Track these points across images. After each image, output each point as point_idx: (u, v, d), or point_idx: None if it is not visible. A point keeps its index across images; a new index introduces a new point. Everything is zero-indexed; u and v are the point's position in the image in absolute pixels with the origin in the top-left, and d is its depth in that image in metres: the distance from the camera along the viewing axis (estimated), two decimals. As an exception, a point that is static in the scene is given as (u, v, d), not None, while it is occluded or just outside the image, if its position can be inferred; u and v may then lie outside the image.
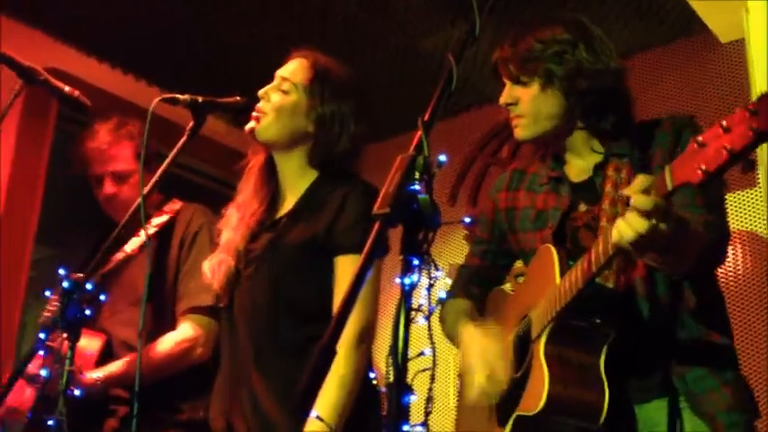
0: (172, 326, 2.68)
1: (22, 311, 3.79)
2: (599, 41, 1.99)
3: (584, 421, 1.77)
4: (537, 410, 1.76)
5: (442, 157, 1.36)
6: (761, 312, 3.37)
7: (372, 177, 2.26)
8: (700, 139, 1.41)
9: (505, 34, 2.08)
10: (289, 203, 2.29)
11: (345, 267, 2.09)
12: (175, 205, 2.90)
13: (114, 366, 2.57)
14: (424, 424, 1.25)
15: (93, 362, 2.58)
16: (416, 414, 1.25)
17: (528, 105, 1.98)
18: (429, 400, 1.29)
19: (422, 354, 1.31)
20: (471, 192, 4.30)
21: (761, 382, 3.17)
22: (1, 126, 2.41)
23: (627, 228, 1.54)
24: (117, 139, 2.80)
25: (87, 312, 1.86)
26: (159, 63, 4.07)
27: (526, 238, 2.09)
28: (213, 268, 2.25)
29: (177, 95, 2.19)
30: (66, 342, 1.82)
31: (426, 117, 1.41)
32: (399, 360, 1.24)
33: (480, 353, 1.98)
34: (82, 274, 1.91)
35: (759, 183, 3.28)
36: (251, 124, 2.25)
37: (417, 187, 1.31)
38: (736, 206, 3.50)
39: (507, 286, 2.28)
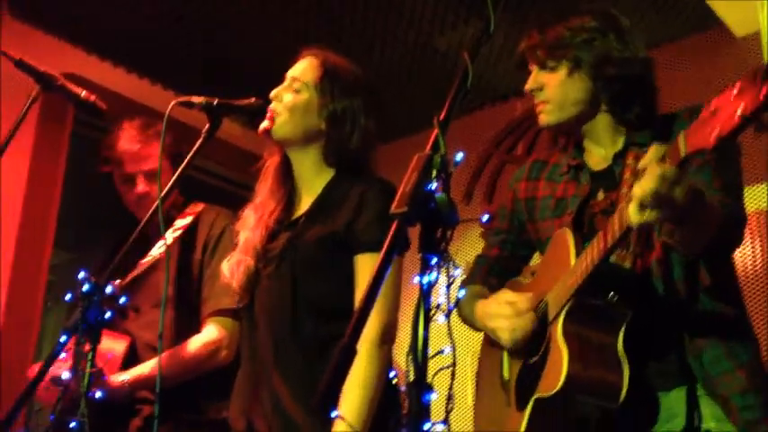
0: (197, 328, 2.69)
1: (42, 316, 3.82)
2: (629, 32, 2.01)
3: (604, 400, 1.77)
4: (556, 389, 1.77)
5: (459, 156, 1.36)
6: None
7: (387, 177, 2.28)
8: (712, 105, 1.43)
9: (519, 32, 2.09)
10: (306, 203, 2.30)
11: (366, 265, 2.10)
12: (198, 207, 2.91)
13: (141, 369, 2.59)
14: (445, 422, 1.25)
15: (118, 364, 2.60)
16: (436, 412, 1.26)
17: (554, 90, 2.00)
18: (449, 398, 1.29)
19: (441, 352, 1.31)
20: (486, 189, 4.30)
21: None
22: (18, 131, 2.43)
23: (640, 189, 1.55)
24: (147, 139, 2.81)
25: (107, 315, 1.87)
26: (174, 66, 4.09)
27: (545, 227, 2.10)
28: (232, 268, 2.26)
29: (193, 98, 2.20)
30: (87, 344, 1.84)
31: (442, 115, 1.41)
32: (419, 358, 1.24)
33: (497, 301, 2.02)
34: (102, 277, 1.93)
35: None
36: (265, 124, 2.26)
37: (434, 186, 1.32)
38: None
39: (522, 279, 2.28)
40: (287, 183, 2.34)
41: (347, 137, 2.25)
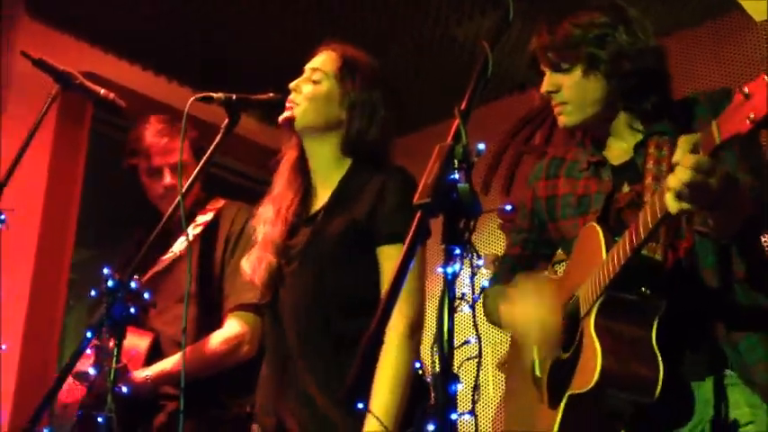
0: (219, 323, 2.70)
1: (64, 313, 3.84)
2: (637, 22, 1.98)
3: (639, 395, 1.75)
4: (590, 385, 1.74)
5: (481, 146, 1.36)
6: None
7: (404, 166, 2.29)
8: (746, 89, 1.42)
9: (536, 21, 2.07)
10: (323, 196, 2.30)
11: (390, 257, 2.09)
12: (219, 203, 2.92)
13: (164, 364, 2.60)
14: (472, 412, 1.25)
15: (142, 360, 2.61)
16: (461, 403, 1.25)
17: (571, 91, 1.98)
18: (476, 388, 1.29)
19: (467, 342, 1.31)
20: (505, 180, 4.28)
21: None
22: (38, 130, 2.45)
23: (676, 180, 1.54)
24: (174, 133, 2.82)
25: (132, 311, 1.89)
26: (190, 63, 4.10)
27: (568, 225, 2.08)
28: (253, 265, 2.26)
29: (211, 94, 2.21)
30: (112, 340, 1.85)
31: (463, 106, 1.41)
32: (445, 349, 1.24)
33: (522, 299, 2.00)
34: (125, 273, 1.94)
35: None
36: (285, 114, 2.27)
37: (457, 176, 1.32)
38: None
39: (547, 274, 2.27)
40: (303, 177, 2.34)
41: (367, 127, 2.25)
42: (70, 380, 2.41)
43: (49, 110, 2.48)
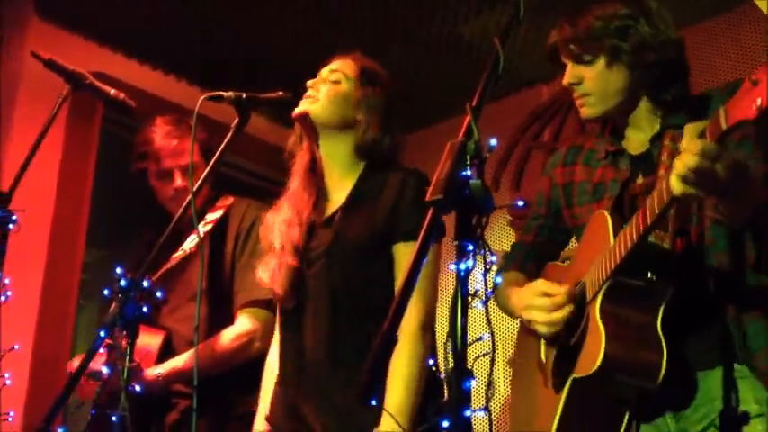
0: (230, 320, 2.71)
1: (76, 313, 3.85)
2: (657, 14, 2.00)
3: (642, 381, 1.76)
4: (594, 369, 1.76)
5: (493, 142, 1.36)
6: None
7: (411, 165, 2.30)
8: (753, 77, 1.43)
9: (545, 17, 2.07)
10: (337, 200, 2.31)
11: (406, 255, 2.10)
12: (228, 201, 2.92)
13: (175, 362, 2.61)
14: (486, 409, 1.25)
15: (154, 358, 2.62)
16: (474, 399, 1.25)
17: (594, 83, 1.99)
18: (489, 384, 1.29)
19: (480, 338, 1.31)
20: (514, 177, 4.27)
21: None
22: (48, 131, 2.46)
23: (681, 164, 1.55)
24: (183, 134, 2.83)
25: (144, 309, 1.89)
26: (199, 63, 4.10)
27: (582, 212, 2.10)
28: (273, 272, 2.27)
29: (222, 93, 2.21)
30: (125, 339, 1.85)
31: (474, 102, 1.41)
32: (458, 345, 1.24)
33: (533, 291, 2.01)
34: (138, 272, 1.94)
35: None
36: (303, 106, 2.28)
37: (469, 173, 1.32)
38: None
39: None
40: (316, 181, 2.36)
41: (382, 132, 2.30)
42: (83, 379, 2.42)
43: (60, 110, 2.48)
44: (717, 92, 1.94)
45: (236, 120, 2.24)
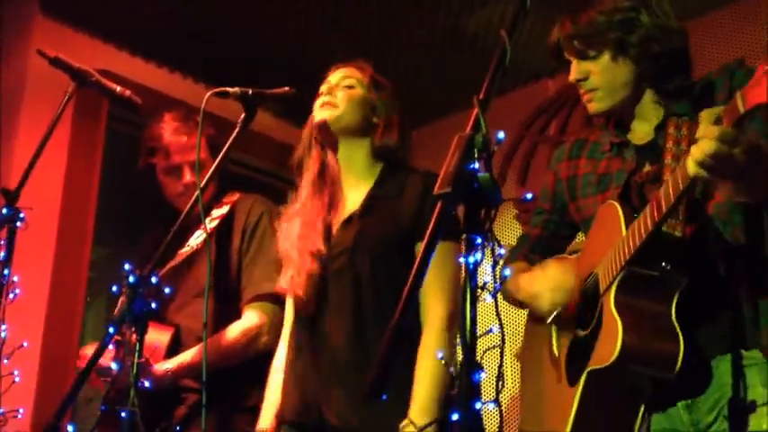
0: (237, 315, 2.71)
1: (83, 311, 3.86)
2: (658, 4, 1.99)
3: (659, 371, 1.76)
4: (611, 361, 1.75)
5: (501, 135, 1.35)
6: None
7: (417, 160, 2.32)
8: (767, 66, 1.44)
9: (550, 10, 2.07)
10: (355, 200, 2.33)
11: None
12: (234, 197, 2.92)
13: (183, 357, 2.61)
14: (496, 401, 1.25)
15: (163, 354, 2.62)
16: (483, 392, 1.25)
17: (601, 77, 1.99)
18: (499, 377, 1.29)
19: (489, 331, 1.31)
20: (520, 171, 4.27)
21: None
22: (55, 129, 2.46)
23: (698, 151, 1.56)
24: (192, 130, 2.83)
25: (153, 305, 1.89)
26: (204, 60, 4.10)
27: (588, 204, 2.10)
28: (293, 279, 2.28)
29: (228, 89, 2.21)
30: (134, 335, 1.86)
31: (482, 95, 1.40)
32: (468, 338, 1.24)
33: (541, 275, 2.04)
34: (146, 269, 1.95)
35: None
36: (323, 114, 2.31)
37: (477, 166, 1.31)
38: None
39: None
40: (328, 187, 2.38)
41: (397, 133, 2.36)
42: (93, 375, 2.43)
43: (66, 107, 2.48)
44: (715, 76, 1.94)
45: (243, 116, 2.24)
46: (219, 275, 2.71)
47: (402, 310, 1.21)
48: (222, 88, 2.20)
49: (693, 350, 1.78)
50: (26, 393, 3.13)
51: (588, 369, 1.85)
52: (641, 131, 2.04)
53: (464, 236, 1.29)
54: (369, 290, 2.18)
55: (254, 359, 2.66)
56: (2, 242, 2.36)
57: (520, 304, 2.19)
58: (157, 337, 2.62)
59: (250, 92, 2.22)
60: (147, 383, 2.13)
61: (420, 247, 2.11)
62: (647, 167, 1.98)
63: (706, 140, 1.55)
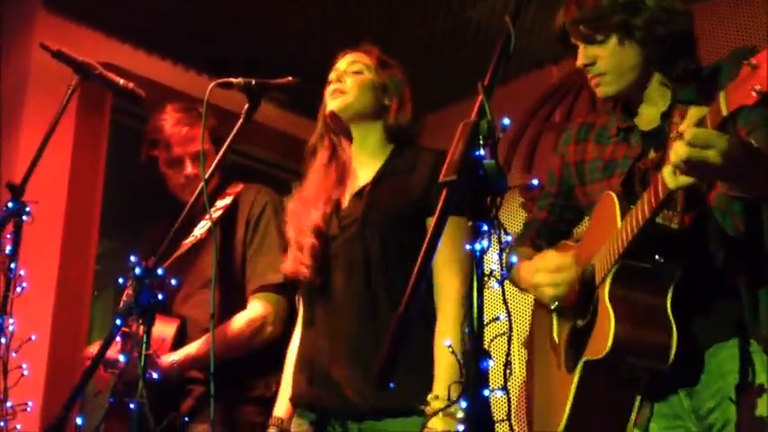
0: (242, 306, 2.71)
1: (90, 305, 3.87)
2: None
3: (653, 362, 1.77)
4: (605, 353, 1.77)
5: (506, 121, 1.35)
6: None
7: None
8: (753, 61, 1.42)
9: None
10: (366, 177, 2.35)
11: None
12: (237, 187, 2.92)
13: (189, 348, 2.61)
14: (504, 388, 1.25)
15: (169, 346, 2.63)
16: (491, 379, 1.25)
17: (608, 61, 1.98)
18: (507, 364, 1.29)
19: (497, 319, 1.31)
20: (525, 159, 4.27)
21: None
22: (59, 122, 2.46)
23: (674, 155, 1.56)
24: (193, 121, 2.82)
25: (160, 297, 1.90)
26: (208, 52, 4.10)
27: (595, 189, 2.09)
28: (295, 257, 2.29)
29: (231, 79, 2.20)
30: (141, 327, 1.86)
31: (486, 81, 1.40)
32: (475, 326, 1.24)
33: (541, 265, 2.03)
34: (152, 261, 1.95)
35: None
36: (334, 103, 2.32)
37: (482, 153, 1.31)
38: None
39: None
40: (338, 170, 2.39)
41: (408, 113, 2.38)
42: (101, 368, 2.43)
43: (70, 101, 2.48)
44: (725, 62, 1.92)
45: (246, 106, 2.24)
46: (224, 266, 2.71)
47: (409, 300, 1.21)
48: (225, 79, 2.20)
49: (689, 340, 1.79)
50: (35, 387, 3.15)
51: (583, 359, 1.88)
52: (648, 116, 2.03)
53: (470, 223, 1.29)
54: (378, 261, 2.19)
55: (259, 350, 2.67)
56: (8, 236, 2.36)
57: (525, 290, 2.20)
58: (163, 329, 2.63)
59: (253, 82, 2.21)
60: (155, 375, 2.13)
61: (429, 221, 2.16)
62: (652, 154, 1.98)
63: (681, 143, 1.54)
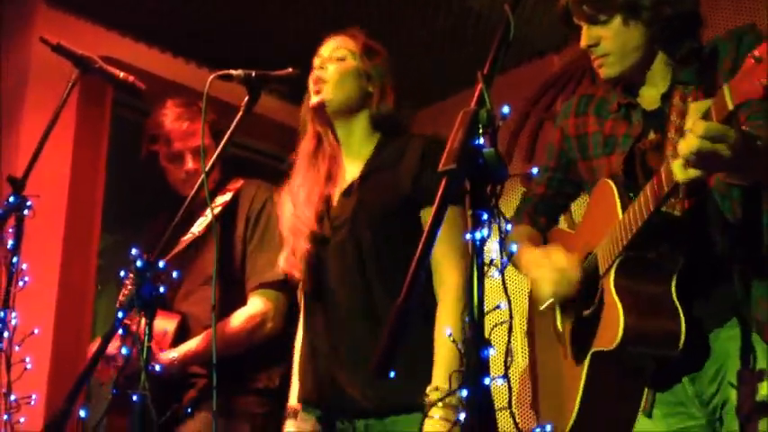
0: (242, 303, 2.71)
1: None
2: None
3: (664, 349, 1.78)
4: (614, 345, 1.77)
5: (506, 109, 1.34)
6: None
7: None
8: (756, 53, 1.42)
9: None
10: (354, 171, 2.32)
11: None
12: (237, 183, 2.92)
13: (188, 345, 2.61)
14: (505, 376, 1.25)
15: (169, 342, 2.63)
16: (492, 368, 1.25)
17: (612, 42, 1.96)
18: (508, 352, 1.28)
19: (498, 307, 1.30)
20: (527, 149, 4.25)
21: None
22: (60, 116, 2.46)
23: (684, 147, 1.56)
24: (193, 116, 2.82)
25: (161, 290, 1.89)
26: (208, 44, 4.09)
27: (599, 164, 2.08)
28: (290, 260, 2.28)
29: (231, 71, 2.19)
30: (143, 320, 1.86)
31: (486, 69, 1.39)
32: (476, 315, 1.24)
33: (546, 263, 2.02)
34: (153, 254, 1.95)
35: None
36: (315, 98, 2.29)
37: (482, 141, 1.31)
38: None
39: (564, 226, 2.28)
40: (326, 161, 2.36)
41: (394, 100, 2.32)
42: (103, 362, 2.44)
43: (70, 94, 2.48)
44: (722, 40, 1.91)
45: (246, 99, 2.23)
46: (224, 263, 2.70)
47: (408, 290, 1.21)
48: (225, 71, 2.19)
49: (692, 325, 1.79)
50: (38, 380, 3.15)
51: (592, 351, 1.87)
52: (649, 96, 2.02)
53: (470, 212, 1.29)
54: (372, 260, 2.17)
55: (260, 344, 2.67)
56: (10, 230, 2.36)
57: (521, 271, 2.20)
58: (164, 325, 2.63)
59: (253, 74, 2.20)
60: (157, 367, 2.13)
61: (423, 213, 2.15)
62: (652, 135, 1.97)
63: (691, 137, 1.54)
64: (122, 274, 2.03)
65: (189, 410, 2.60)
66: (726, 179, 1.72)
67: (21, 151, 3.49)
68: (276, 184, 2.89)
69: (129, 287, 2.56)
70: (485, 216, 1.28)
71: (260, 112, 2.55)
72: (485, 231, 1.28)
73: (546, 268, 2.02)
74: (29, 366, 2.31)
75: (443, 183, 1.29)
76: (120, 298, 2.65)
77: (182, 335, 2.68)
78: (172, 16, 3.91)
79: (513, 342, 1.30)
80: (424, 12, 3.90)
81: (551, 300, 2.04)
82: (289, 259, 2.29)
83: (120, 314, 1.91)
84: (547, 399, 2.21)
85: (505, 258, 1.30)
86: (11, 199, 2.37)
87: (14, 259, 2.33)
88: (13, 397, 2.27)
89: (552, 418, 2.05)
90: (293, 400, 2.36)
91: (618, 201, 1.87)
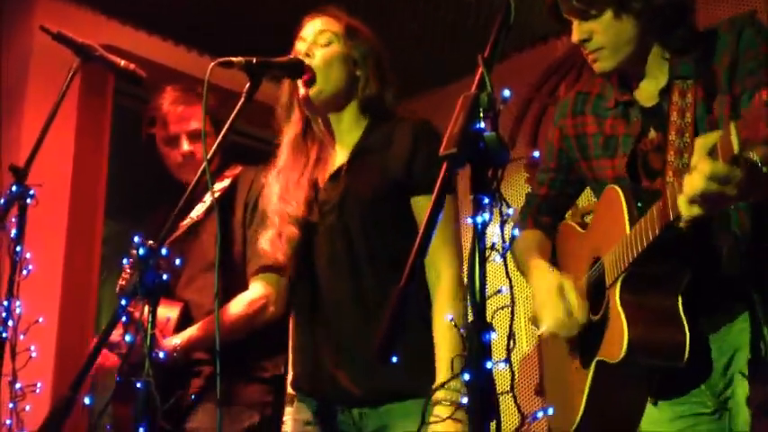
0: (244, 287, 2.71)
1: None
2: None
3: (669, 361, 1.78)
4: (619, 358, 1.78)
5: (506, 93, 1.34)
6: None
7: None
8: (764, 95, 1.37)
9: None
10: (342, 155, 2.30)
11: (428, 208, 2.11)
12: (236, 170, 2.92)
13: (191, 331, 2.61)
14: (507, 360, 1.25)
15: (172, 330, 2.63)
16: (494, 352, 1.25)
17: (605, 36, 1.93)
18: (510, 336, 1.28)
19: (499, 291, 1.30)
20: (530, 134, 4.25)
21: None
22: (61, 105, 2.46)
23: (690, 187, 1.53)
24: (190, 100, 2.83)
25: (165, 277, 1.90)
26: (209, 33, 4.08)
27: (600, 165, 2.07)
28: (274, 242, 2.26)
29: (232, 58, 2.18)
30: (146, 308, 1.86)
31: (486, 53, 1.39)
32: (477, 299, 1.24)
33: (558, 300, 1.98)
34: (156, 241, 1.95)
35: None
36: (303, 91, 2.26)
37: (483, 125, 1.30)
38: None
39: (570, 220, 2.27)
40: (312, 145, 2.35)
41: (383, 82, 2.28)
42: (106, 351, 2.45)
43: (71, 83, 2.48)
44: (723, 30, 1.89)
45: (248, 86, 2.22)
46: (224, 248, 2.71)
47: (409, 274, 1.21)
48: (226, 58, 2.18)
49: (697, 337, 1.79)
50: (44, 368, 3.17)
51: (597, 359, 1.88)
52: (647, 91, 2.00)
53: (472, 197, 1.29)
54: (361, 245, 2.16)
55: (266, 330, 2.67)
56: (13, 219, 2.37)
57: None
58: (167, 313, 2.63)
59: (254, 61, 2.19)
60: (161, 354, 2.14)
61: (419, 202, 2.13)
62: (652, 134, 1.96)
63: (698, 176, 1.51)
64: (125, 261, 2.02)
65: (194, 399, 2.61)
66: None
67: (22, 140, 3.49)
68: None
69: (129, 273, 2.58)
70: (486, 200, 1.28)
71: (260, 99, 2.54)
72: (486, 215, 1.28)
73: (555, 309, 1.97)
74: (34, 355, 2.32)
75: (444, 167, 1.29)
76: (121, 282, 2.65)
77: (185, 322, 2.68)
78: (172, 4, 3.90)
79: (515, 326, 1.30)
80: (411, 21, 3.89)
81: (547, 333, 2.01)
82: (273, 242, 2.26)
83: (123, 302, 1.91)
84: (553, 401, 2.22)
85: (507, 243, 1.29)
86: (13, 188, 2.37)
87: (18, 248, 2.34)
88: (18, 385, 2.28)
89: (559, 413, 2.05)
90: (290, 387, 2.37)
91: (625, 210, 1.85)
